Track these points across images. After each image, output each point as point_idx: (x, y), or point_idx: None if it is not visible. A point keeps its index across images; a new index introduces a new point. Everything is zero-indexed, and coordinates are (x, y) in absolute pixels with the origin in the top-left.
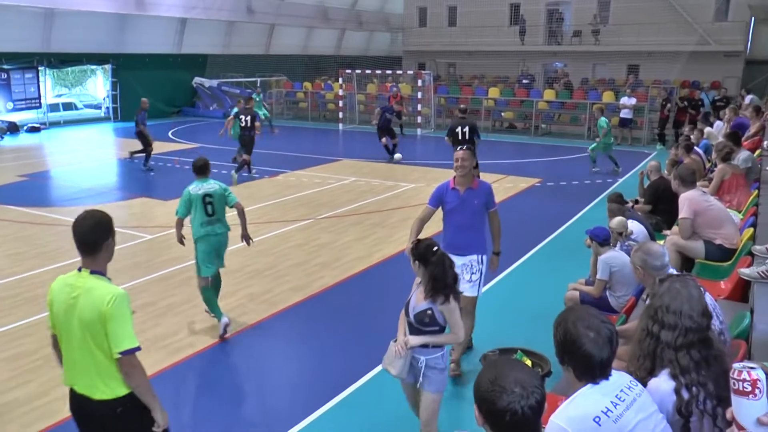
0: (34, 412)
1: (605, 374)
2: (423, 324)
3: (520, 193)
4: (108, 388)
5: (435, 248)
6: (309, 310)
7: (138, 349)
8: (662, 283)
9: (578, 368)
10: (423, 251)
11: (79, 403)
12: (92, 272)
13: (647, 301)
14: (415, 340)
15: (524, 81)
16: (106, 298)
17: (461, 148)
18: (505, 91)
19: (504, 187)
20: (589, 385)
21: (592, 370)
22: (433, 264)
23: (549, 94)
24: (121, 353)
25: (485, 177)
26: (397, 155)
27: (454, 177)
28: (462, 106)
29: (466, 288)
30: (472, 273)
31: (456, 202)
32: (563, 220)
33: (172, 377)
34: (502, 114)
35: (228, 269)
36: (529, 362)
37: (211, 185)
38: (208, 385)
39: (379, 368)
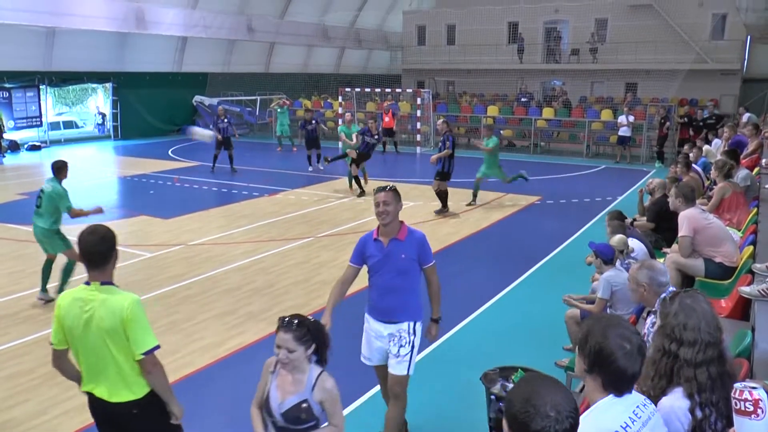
0: (32, 431)
1: (630, 388)
2: (299, 422)
3: (519, 210)
4: (127, 390)
5: (311, 320)
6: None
7: (158, 347)
8: (672, 301)
9: (608, 380)
10: (316, 326)
11: (97, 405)
12: (103, 283)
13: (649, 319)
14: None
15: (523, 99)
16: (123, 304)
17: (383, 190)
18: (504, 109)
19: (504, 204)
20: (610, 396)
21: (622, 383)
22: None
23: (547, 113)
24: (144, 353)
25: (486, 195)
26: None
27: (378, 225)
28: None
29: (392, 364)
30: (401, 346)
31: (379, 257)
32: (563, 237)
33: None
34: (501, 132)
35: (227, 287)
36: None
37: (49, 186)
38: (205, 404)
39: (376, 389)
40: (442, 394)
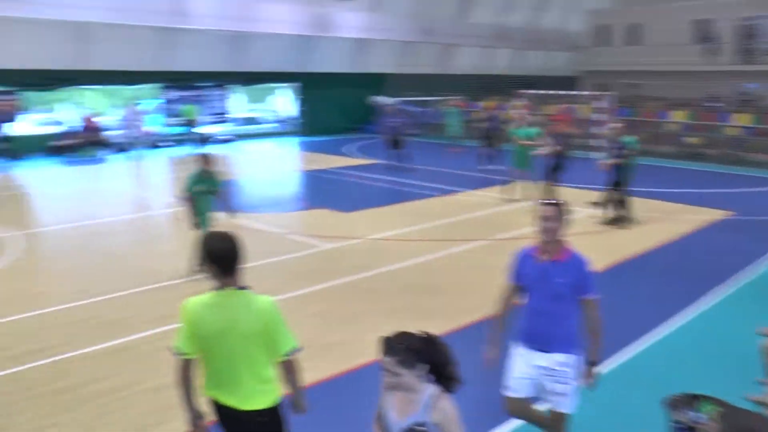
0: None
1: None
2: None
3: (705, 226)
4: (259, 398)
5: (423, 337)
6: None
7: (299, 348)
8: None
9: None
10: (427, 344)
11: (224, 412)
12: (240, 288)
13: None
14: None
15: (711, 104)
16: (267, 307)
17: (548, 203)
18: (689, 114)
19: (687, 218)
20: None
21: None
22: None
23: (740, 119)
24: (287, 353)
25: (666, 206)
26: None
27: (538, 241)
28: None
29: (549, 401)
30: (557, 382)
31: (533, 276)
32: (758, 259)
33: (338, 386)
34: (687, 139)
35: (404, 283)
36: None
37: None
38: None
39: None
40: (614, 415)
